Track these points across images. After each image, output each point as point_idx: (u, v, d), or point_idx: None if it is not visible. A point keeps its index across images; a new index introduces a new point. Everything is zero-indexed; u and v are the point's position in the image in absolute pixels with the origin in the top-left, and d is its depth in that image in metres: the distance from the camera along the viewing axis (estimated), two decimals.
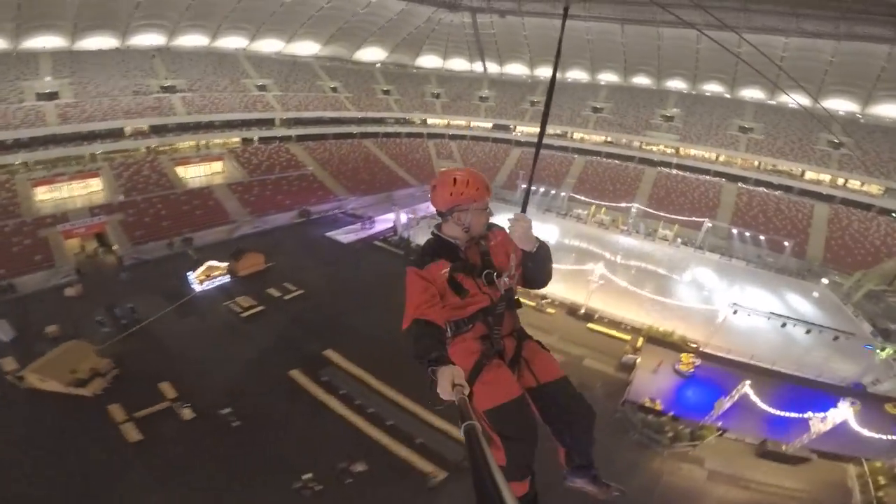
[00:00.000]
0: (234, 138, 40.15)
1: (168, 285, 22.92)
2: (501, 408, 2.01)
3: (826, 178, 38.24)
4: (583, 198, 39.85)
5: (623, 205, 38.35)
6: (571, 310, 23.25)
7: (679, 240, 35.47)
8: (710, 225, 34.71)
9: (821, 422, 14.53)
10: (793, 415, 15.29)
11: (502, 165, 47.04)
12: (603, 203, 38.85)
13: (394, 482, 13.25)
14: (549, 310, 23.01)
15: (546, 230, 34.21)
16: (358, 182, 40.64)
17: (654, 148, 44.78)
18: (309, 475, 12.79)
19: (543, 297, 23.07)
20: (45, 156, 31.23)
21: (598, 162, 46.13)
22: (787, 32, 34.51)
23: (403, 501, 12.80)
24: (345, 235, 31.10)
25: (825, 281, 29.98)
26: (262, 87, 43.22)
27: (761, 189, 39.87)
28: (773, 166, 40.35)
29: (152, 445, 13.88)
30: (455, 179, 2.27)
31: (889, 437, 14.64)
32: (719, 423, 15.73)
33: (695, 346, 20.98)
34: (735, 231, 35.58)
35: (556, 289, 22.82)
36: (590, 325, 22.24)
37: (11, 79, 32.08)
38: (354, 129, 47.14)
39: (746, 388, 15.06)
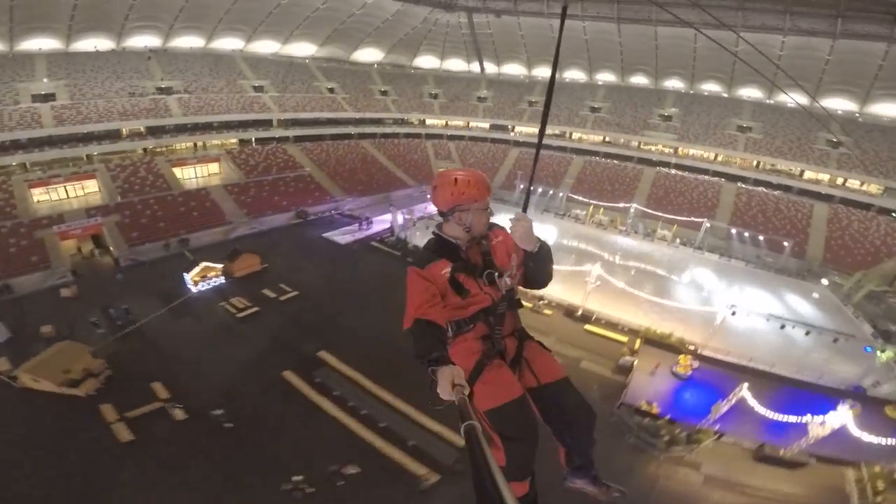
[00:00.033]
0: (231, 139, 40.10)
1: (164, 286, 22.85)
2: (502, 408, 2.00)
3: (825, 177, 38.09)
4: (581, 198, 39.71)
5: (621, 205, 38.21)
6: (568, 311, 23.10)
7: (678, 240, 35.32)
8: (708, 225, 34.56)
9: (819, 426, 14.37)
10: (791, 418, 15.14)
11: (500, 166, 46.93)
12: (601, 203, 38.72)
13: (386, 484, 13.12)
14: (546, 311, 22.87)
15: (544, 231, 34.09)
16: (355, 183, 40.56)
17: (653, 148, 44.65)
18: (300, 477, 12.68)
19: (540, 298, 22.93)
20: (41, 157, 31.20)
21: (596, 162, 46.01)
22: (784, 31, 34.38)
23: None
24: (341, 236, 31.00)
25: (825, 281, 29.80)
26: (258, 89, 43.18)
27: (760, 189, 39.72)
28: (772, 166, 40.20)
29: (143, 445, 13.83)
30: (456, 179, 2.25)
31: (888, 441, 14.46)
32: (716, 427, 15.56)
33: (693, 348, 20.81)
34: (734, 231, 35.41)
35: (553, 290, 22.65)
36: (587, 326, 22.09)
37: (7, 80, 32.10)
38: (352, 129, 47.07)
39: (744, 391, 14.91)
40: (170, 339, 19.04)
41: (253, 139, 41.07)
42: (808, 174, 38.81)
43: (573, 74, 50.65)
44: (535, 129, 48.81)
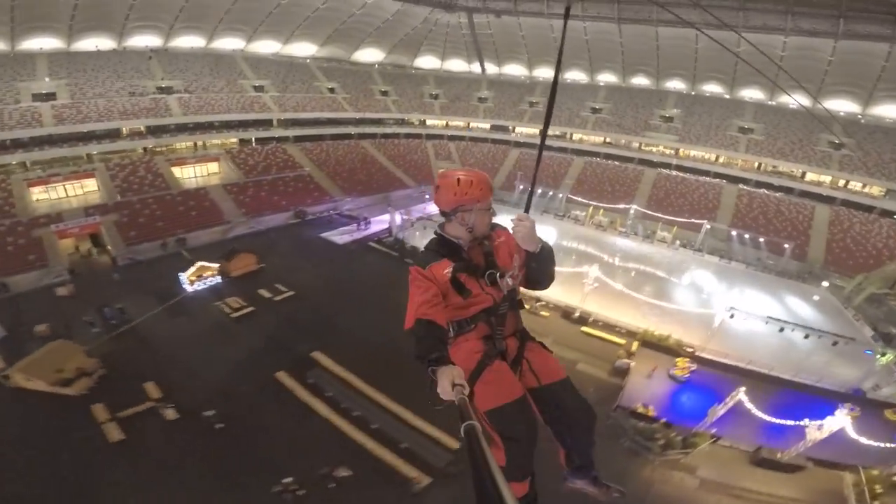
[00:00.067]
0: (232, 139, 40.13)
1: (160, 286, 22.82)
2: (503, 408, 2.00)
3: (827, 179, 37.80)
4: (581, 199, 39.55)
5: (621, 206, 38.03)
6: (566, 313, 22.95)
7: (678, 242, 35.11)
8: (709, 227, 34.35)
9: (817, 429, 14.19)
10: (789, 422, 14.95)
11: (501, 166, 46.80)
12: (601, 204, 38.54)
13: (377, 487, 13.01)
14: (543, 313, 22.73)
15: (543, 232, 33.75)
16: (354, 183, 40.52)
17: (654, 149, 44.42)
18: (289, 479, 12.59)
19: (537, 299, 22.79)
20: (41, 156, 31.28)
21: (596, 163, 45.82)
22: (785, 31, 34.15)
23: None
24: (339, 236, 30.95)
25: (826, 284, 29.55)
26: (259, 88, 43.21)
27: (762, 190, 39.44)
28: (774, 167, 39.94)
29: (134, 445, 13.79)
30: (459, 180, 2.24)
31: (886, 444, 14.27)
32: (713, 431, 15.38)
33: (691, 350, 20.64)
34: (734, 233, 35.16)
35: (550, 292, 22.26)
36: (584, 328, 21.94)
37: (8, 80, 32.21)
38: (352, 129, 47.05)
39: (741, 395, 14.73)
40: (164, 339, 18.99)
41: (253, 139, 41.09)
42: (810, 176, 38.53)
43: (574, 75, 50.50)
44: (536, 130, 48.76)
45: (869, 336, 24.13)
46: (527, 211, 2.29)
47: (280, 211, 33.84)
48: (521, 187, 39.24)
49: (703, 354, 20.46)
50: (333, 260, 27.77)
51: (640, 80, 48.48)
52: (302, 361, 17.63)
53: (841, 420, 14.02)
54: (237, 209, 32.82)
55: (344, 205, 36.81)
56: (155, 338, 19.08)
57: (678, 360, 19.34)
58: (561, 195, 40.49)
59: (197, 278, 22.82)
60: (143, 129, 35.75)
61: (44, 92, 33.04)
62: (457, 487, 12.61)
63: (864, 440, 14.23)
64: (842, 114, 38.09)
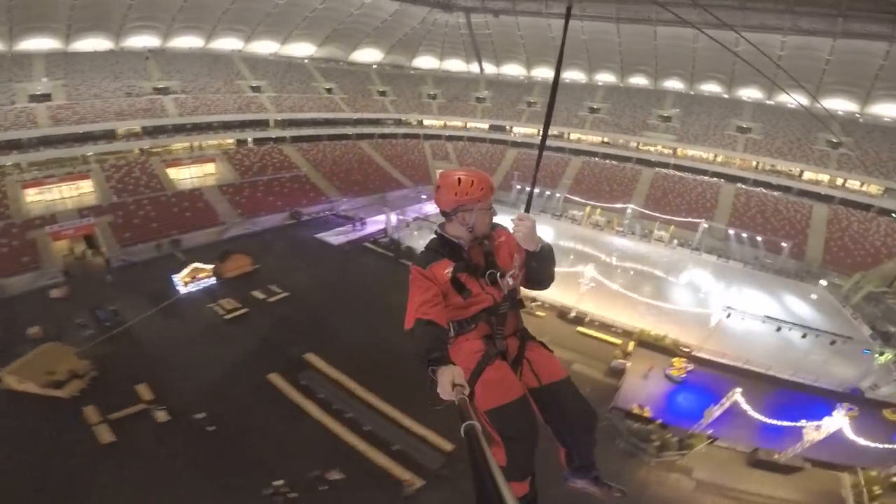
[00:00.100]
0: (229, 140, 40.01)
1: (154, 287, 22.70)
2: (503, 408, 2.00)
3: (825, 178, 37.69)
4: (578, 199, 39.43)
5: (619, 206, 37.92)
6: (562, 313, 22.82)
7: (675, 241, 34.99)
8: (706, 226, 34.24)
9: (815, 430, 14.05)
10: (786, 423, 14.81)
11: (499, 166, 46.69)
12: (598, 204, 38.43)
13: (369, 489, 12.89)
14: (539, 313, 22.60)
15: (541, 232, 33.72)
16: (351, 183, 40.40)
17: (652, 148, 44.30)
18: (281, 481, 12.47)
19: (533, 299, 22.65)
20: (36, 157, 31.16)
21: (594, 163, 45.71)
22: (784, 30, 34.06)
23: None
24: (335, 237, 30.83)
25: (824, 283, 29.41)
26: (256, 89, 43.11)
27: (759, 189, 39.33)
28: (772, 166, 39.82)
29: (125, 447, 13.70)
30: (459, 180, 2.24)
31: (884, 445, 14.13)
32: (710, 431, 15.25)
33: (687, 350, 20.50)
34: (732, 232, 35.03)
35: (546, 291, 22.19)
36: (580, 328, 21.81)
37: (4, 80, 32.09)
38: (349, 130, 46.93)
39: (737, 396, 14.59)
40: (157, 341, 18.88)
41: (249, 139, 40.97)
42: (808, 175, 38.42)
43: (572, 75, 50.39)
44: (534, 130, 48.66)
45: (867, 335, 24.00)
46: (527, 210, 2.31)
47: (276, 212, 33.72)
48: (518, 187, 39.10)
49: (700, 354, 20.32)
50: (328, 261, 27.66)
51: (639, 80, 48.37)
52: (294, 363, 17.50)
53: (839, 420, 13.87)
54: (233, 210, 32.71)
55: (340, 205, 36.69)
56: (148, 340, 18.97)
57: (675, 360, 19.20)
58: (558, 195, 40.37)
59: (191, 280, 22.71)
60: (139, 129, 35.63)
61: (40, 93, 32.91)
62: (450, 490, 12.49)
63: (862, 441, 14.09)
64: (840, 113, 37.98)
